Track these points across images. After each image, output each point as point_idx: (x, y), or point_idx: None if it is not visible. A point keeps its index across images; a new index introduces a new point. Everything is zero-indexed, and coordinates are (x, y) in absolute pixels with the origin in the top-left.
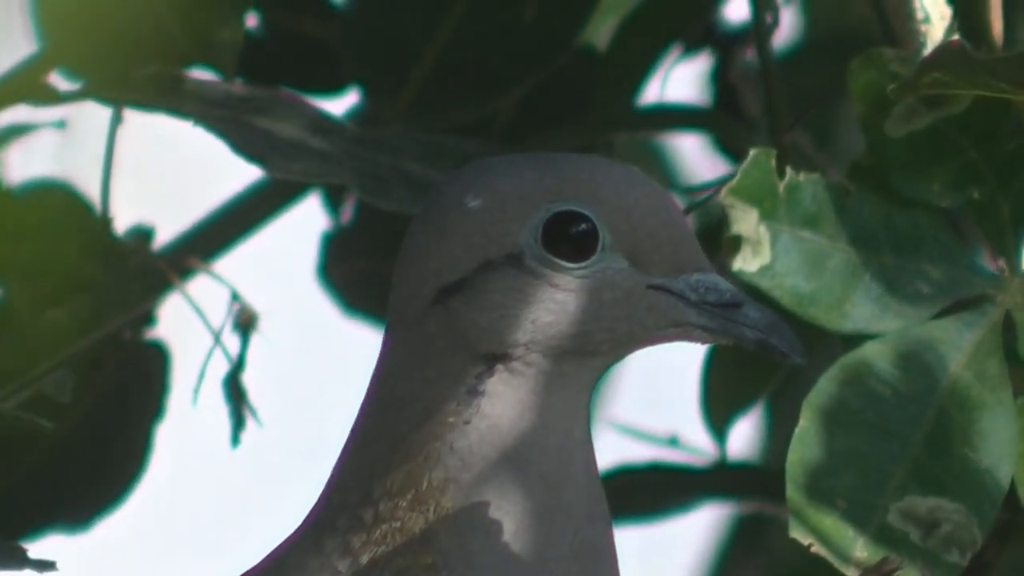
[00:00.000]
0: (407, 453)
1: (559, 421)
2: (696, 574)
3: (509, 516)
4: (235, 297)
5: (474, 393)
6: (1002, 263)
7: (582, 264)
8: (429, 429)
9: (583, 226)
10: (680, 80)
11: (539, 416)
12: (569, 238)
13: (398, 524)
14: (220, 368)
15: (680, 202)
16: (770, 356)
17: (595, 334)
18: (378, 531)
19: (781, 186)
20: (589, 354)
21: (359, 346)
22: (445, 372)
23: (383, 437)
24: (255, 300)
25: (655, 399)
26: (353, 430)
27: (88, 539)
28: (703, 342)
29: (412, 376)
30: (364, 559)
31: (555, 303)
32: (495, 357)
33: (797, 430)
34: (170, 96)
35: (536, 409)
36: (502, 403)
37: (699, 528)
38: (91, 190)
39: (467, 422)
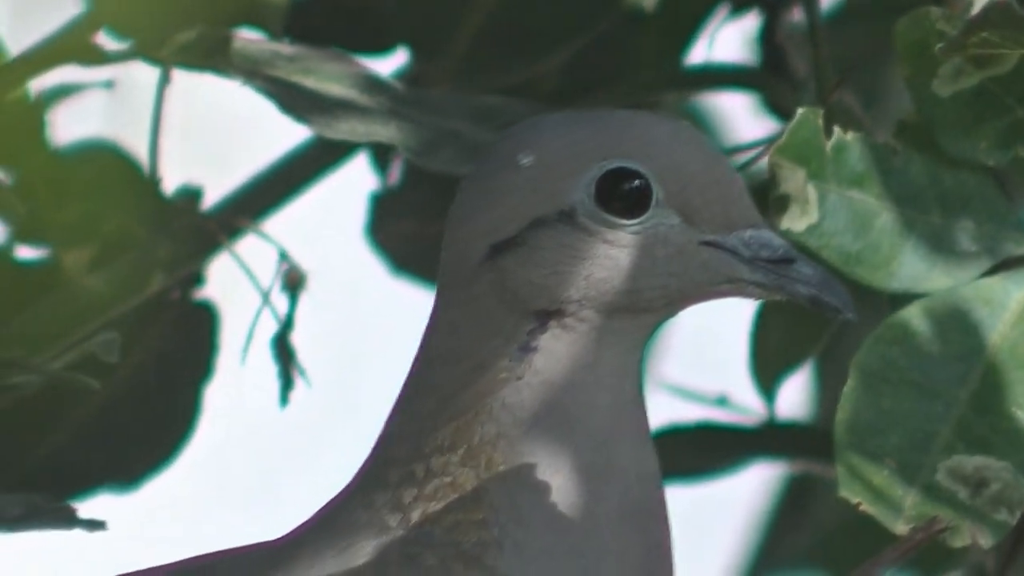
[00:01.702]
0: (459, 409)
1: (611, 378)
2: (745, 534)
3: (559, 473)
4: (283, 257)
5: (527, 349)
6: None
7: (635, 221)
8: (481, 385)
9: (636, 183)
10: (727, 40)
11: (591, 373)
12: (622, 195)
13: (449, 479)
14: (268, 328)
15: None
16: (822, 312)
17: (648, 290)
18: (429, 486)
19: (828, 145)
20: (641, 310)
21: (406, 306)
22: (497, 329)
23: (435, 393)
24: (303, 260)
25: (704, 359)
26: (405, 386)
27: (137, 499)
28: (756, 298)
29: (464, 333)
30: (415, 515)
31: (608, 259)
32: (548, 314)
33: (845, 389)
34: (218, 56)
35: (588, 366)
36: (554, 359)
37: (748, 488)
38: (139, 150)
39: (519, 378)
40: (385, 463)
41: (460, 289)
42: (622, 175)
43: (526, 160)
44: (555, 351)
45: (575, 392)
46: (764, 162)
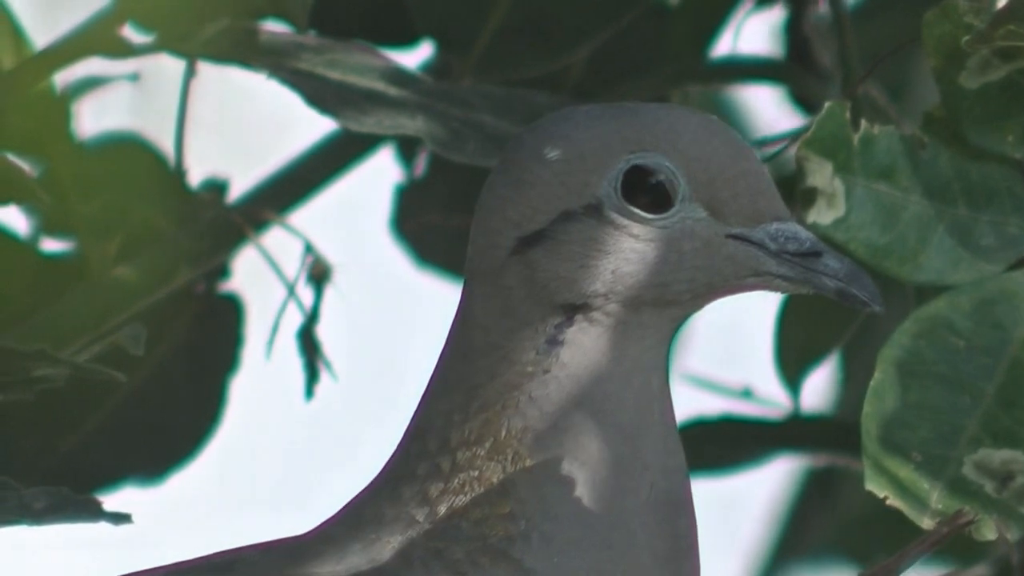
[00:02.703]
0: (486, 402)
1: (637, 371)
2: (769, 526)
3: (586, 466)
4: (309, 249)
5: (554, 343)
6: None
7: (662, 215)
8: (508, 378)
9: (662, 177)
10: (753, 32)
11: (618, 366)
12: (648, 189)
13: (476, 473)
14: (294, 321)
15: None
16: (850, 305)
17: (675, 284)
18: (456, 480)
19: (855, 138)
20: (668, 304)
21: (431, 299)
22: (524, 322)
23: (462, 386)
24: (329, 253)
25: (729, 351)
26: (432, 379)
27: (162, 492)
28: (783, 291)
29: (491, 326)
30: (442, 508)
31: (635, 253)
32: (575, 307)
33: (872, 382)
34: (243, 49)
35: (615, 359)
36: (581, 353)
37: (773, 481)
38: (165, 143)
39: (546, 371)
40: (412, 457)
41: (487, 282)
42: (648, 170)
43: (553, 154)
44: (582, 345)
45: (602, 385)
46: (790, 155)
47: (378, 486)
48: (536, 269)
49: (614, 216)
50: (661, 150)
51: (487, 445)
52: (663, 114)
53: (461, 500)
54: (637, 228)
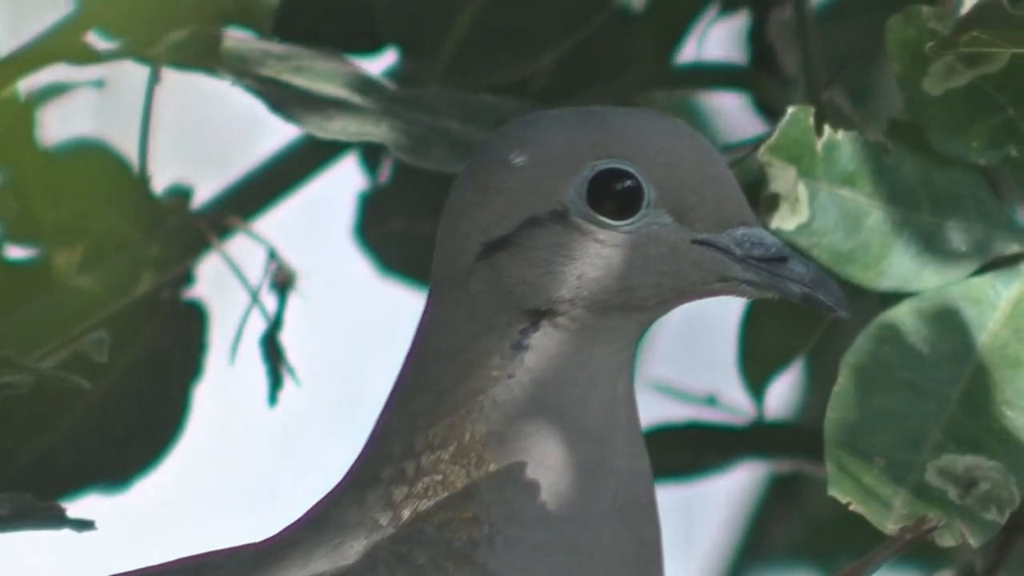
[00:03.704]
0: (450, 406)
1: (603, 376)
2: (733, 532)
3: (551, 470)
4: (273, 256)
5: (519, 348)
6: None
7: (627, 221)
8: (473, 383)
9: (628, 183)
10: (717, 38)
11: (583, 371)
12: (614, 195)
13: (440, 477)
14: (258, 327)
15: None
16: (816, 310)
17: (640, 289)
18: (420, 484)
19: (819, 144)
20: (634, 309)
21: (395, 306)
22: (490, 327)
23: (427, 390)
24: (293, 259)
25: (693, 358)
26: (396, 384)
27: (126, 498)
28: (748, 296)
29: (457, 331)
30: (406, 513)
31: (601, 259)
32: (540, 313)
33: (835, 388)
34: (208, 55)
35: (580, 364)
36: (546, 358)
37: (736, 487)
38: (129, 150)
39: (511, 376)
40: (376, 461)
41: (453, 287)
42: (614, 175)
43: (519, 159)
44: (547, 350)
45: (567, 390)
46: (754, 160)
47: (342, 490)
48: (502, 274)
49: (580, 222)
50: (627, 156)
51: (451, 449)
52: (630, 119)
53: (425, 504)
54: (603, 234)
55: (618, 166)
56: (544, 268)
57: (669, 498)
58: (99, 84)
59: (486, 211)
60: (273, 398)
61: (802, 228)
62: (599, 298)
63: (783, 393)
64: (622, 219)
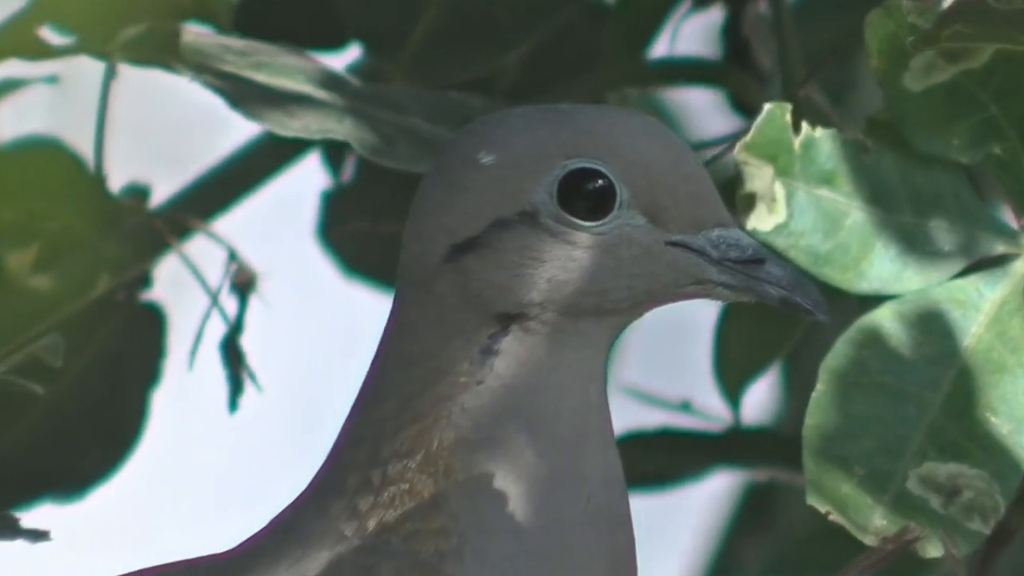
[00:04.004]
0: (417, 413)
1: (575, 382)
2: (708, 542)
3: (521, 479)
4: (233, 257)
5: (488, 353)
6: None
7: (599, 222)
8: (441, 389)
9: (599, 183)
10: (691, 33)
11: (554, 376)
12: (585, 195)
13: (407, 486)
14: (218, 331)
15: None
16: (794, 313)
17: (613, 292)
18: (386, 493)
19: (796, 142)
20: (607, 312)
21: (359, 308)
22: (458, 331)
23: (393, 397)
24: (254, 261)
25: (666, 362)
26: (362, 390)
27: (82, 508)
28: (724, 300)
29: (424, 335)
30: (371, 523)
31: (572, 261)
32: (510, 317)
33: (814, 394)
34: (165, 51)
35: (552, 369)
36: (516, 363)
37: (711, 495)
38: (84, 148)
39: (480, 382)
40: (341, 469)
41: (420, 289)
42: (585, 175)
43: (487, 158)
44: (517, 355)
45: (538, 396)
46: (730, 159)
47: (306, 500)
48: (470, 277)
49: (550, 223)
50: (599, 155)
51: (418, 457)
52: (601, 117)
53: (391, 514)
54: (574, 235)
55: (589, 165)
56: (513, 270)
57: (642, 507)
58: (53, 80)
59: (453, 212)
60: (234, 404)
61: (779, 229)
62: (570, 301)
63: (760, 399)
64: (594, 220)
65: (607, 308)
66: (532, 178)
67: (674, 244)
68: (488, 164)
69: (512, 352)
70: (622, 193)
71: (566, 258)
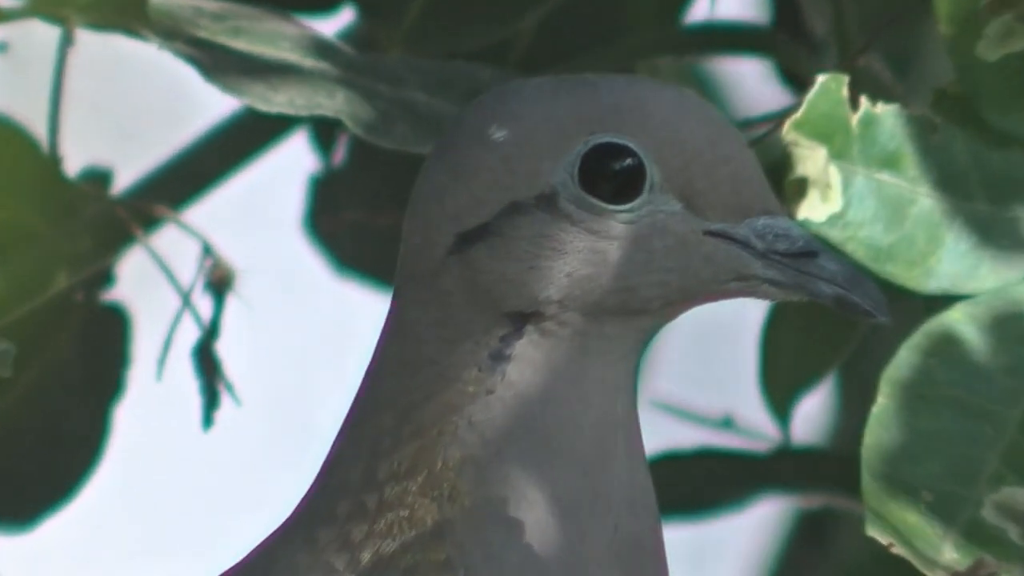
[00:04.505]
0: (419, 427)
1: (599, 393)
2: None
3: (537, 505)
4: (207, 251)
5: (499, 358)
6: None
7: (627, 206)
8: (445, 399)
9: (628, 161)
10: None
11: (575, 386)
12: (611, 176)
13: (406, 512)
14: (190, 336)
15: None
16: (850, 315)
17: (643, 289)
18: (383, 520)
19: (854, 119)
20: (635, 313)
21: (353, 310)
22: (465, 333)
23: (391, 409)
24: (231, 255)
25: (705, 372)
26: (355, 402)
27: (33, 539)
28: (770, 298)
29: (426, 338)
30: (366, 555)
31: (595, 253)
32: (524, 316)
33: (874, 409)
34: (130, 14)
35: (572, 378)
36: (532, 370)
37: (756, 524)
38: (37, 126)
39: (490, 392)
40: (332, 493)
41: (421, 286)
42: (611, 152)
43: (499, 134)
44: (533, 360)
45: (556, 409)
46: (778, 138)
47: (291, 528)
48: (479, 270)
49: (570, 208)
50: (627, 130)
51: (420, 478)
52: (629, 88)
53: (389, 545)
54: (598, 223)
55: (616, 141)
56: (528, 263)
57: (677, 538)
58: (2, 48)
59: (459, 196)
60: (208, 419)
61: (834, 219)
62: (593, 299)
63: (812, 414)
64: (620, 204)
65: (636, 308)
66: (550, 156)
67: (713, 234)
68: (500, 141)
69: (526, 357)
70: (653, 174)
71: (589, 249)
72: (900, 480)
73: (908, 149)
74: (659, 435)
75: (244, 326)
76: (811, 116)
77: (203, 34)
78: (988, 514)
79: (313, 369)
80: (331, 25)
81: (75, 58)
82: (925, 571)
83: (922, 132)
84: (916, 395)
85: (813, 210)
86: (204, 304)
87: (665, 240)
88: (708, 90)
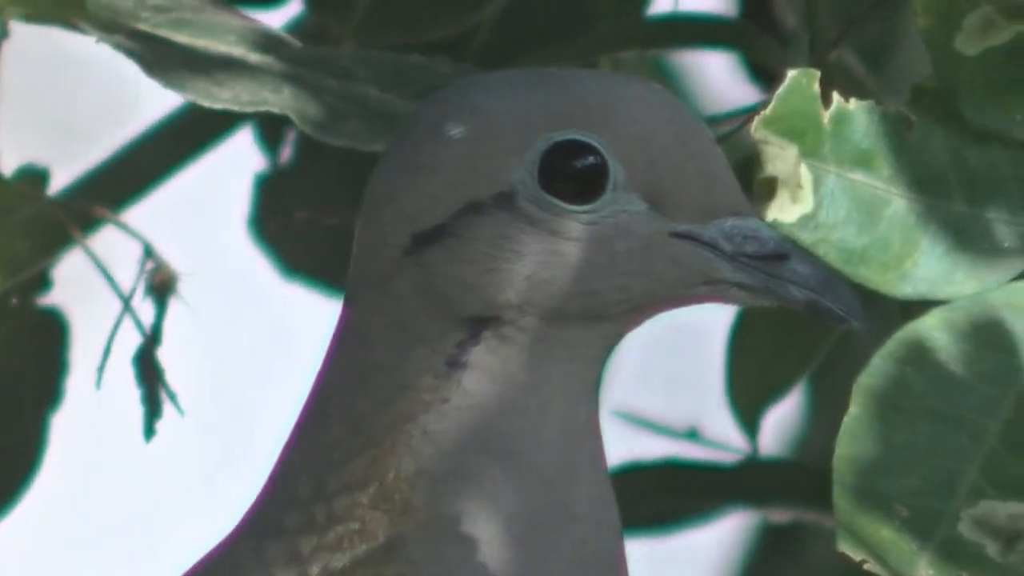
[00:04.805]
0: (371, 437)
1: (560, 403)
2: None
3: (495, 519)
4: (149, 254)
5: (455, 365)
6: None
7: (589, 206)
8: (398, 408)
9: (590, 159)
10: None
11: (535, 395)
12: (573, 174)
13: (357, 526)
14: (131, 342)
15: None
16: (822, 320)
17: (606, 293)
18: (332, 533)
19: (826, 116)
20: (598, 318)
21: (301, 315)
22: (419, 339)
23: (341, 418)
24: (174, 258)
25: (670, 381)
26: (304, 411)
27: None
28: (739, 303)
29: (379, 344)
30: (314, 569)
31: (556, 255)
32: (481, 321)
33: (846, 419)
34: (67, 5)
35: (532, 386)
36: (489, 378)
37: (723, 539)
38: None
39: (445, 400)
40: (279, 505)
41: (374, 290)
42: (573, 150)
43: (456, 131)
44: (490, 368)
45: (515, 419)
46: (747, 136)
47: (236, 541)
48: (434, 273)
49: (530, 208)
50: (589, 126)
51: (371, 490)
52: (593, 82)
53: (339, 559)
54: (558, 223)
55: (578, 138)
56: (486, 265)
57: (642, 553)
58: None
59: (415, 196)
60: (150, 429)
61: (805, 220)
62: (554, 304)
63: (780, 425)
64: (582, 204)
65: (598, 313)
66: (509, 154)
67: (679, 236)
68: (457, 138)
69: (484, 365)
70: (616, 172)
71: (549, 251)
72: (874, 494)
73: (882, 147)
74: (622, 446)
75: (187, 332)
76: (781, 113)
77: (144, 27)
78: (966, 529)
79: (259, 377)
80: (278, 17)
81: (10, 51)
82: None
83: (897, 130)
84: (890, 405)
85: (783, 211)
86: (145, 309)
87: (629, 242)
88: (673, 85)
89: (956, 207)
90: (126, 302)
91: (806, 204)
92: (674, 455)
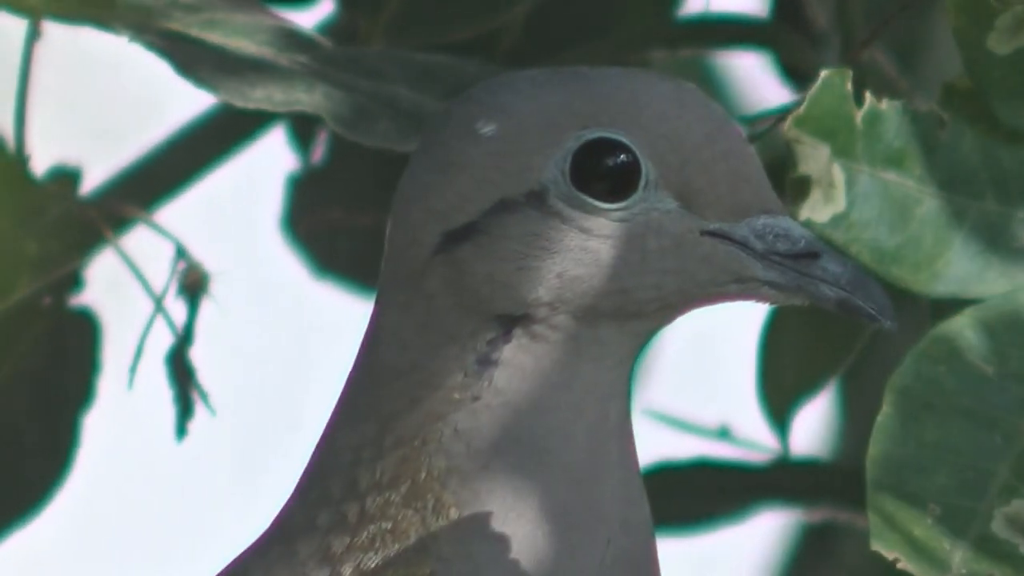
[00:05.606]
0: (402, 436)
1: (591, 401)
2: None
3: (525, 518)
4: (181, 254)
5: (486, 363)
6: None
7: (620, 204)
8: (429, 407)
9: (621, 157)
10: None
11: (566, 393)
12: (604, 173)
13: (389, 525)
14: (163, 342)
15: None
16: (854, 319)
17: (637, 291)
18: (364, 533)
19: (858, 116)
20: (629, 316)
21: (333, 314)
22: (451, 337)
23: (373, 417)
24: (206, 258)
25: (701, 380)
26: (336, 409)
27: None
28: (771, 302)
29: (410, 342)
30: (347, 568)
31: (587, 253)
32: (512, 319)
33: (879, 418)
34: (100, 6)
35: (563, 384)
36: (520, 376)
37: (756, 539)
38: (3, 122)
39: (476, 399)
40: (311, 504)
41: (405, 289)
42: (604, 148)
43: (488, 129)
44: (521, 366)
45: (546, 417)
46: (779, 135)
47: (268, 541)
48: (465, 271)
49: (561, 206)
50: (621, 125)
51: (403, 489)
52: (623, 81)
53: (371, 559)
54: (590, 221)
55: (610, 136)
56: (517, 263)
57: (674, 553)
58: None
59: (446, 194)
60: (182, 430)
61: (838, 219)
62: (585, 302)
63: (812, 424)
64: (614, 202)
65: (630, 311)
66: (541, 152)
67: (711, 234)
68: (488, 136)
69: (515, 362)
70: (648, 171)
71: (580, 248)
72: (906, 492)
73: (914, 147)
74: (653, 446)
75: (219, 332)
76: (813, 112)
77: (176, 27)
78: (998, 528)
79: (291, 377)
80: (310, 17)
81: (42, 52)
82: None
83: (929, 129)
84: (923, 404)
85: (815, 210)
86: (177, 309)
87: (660, 240)
88: (705, 85)
89: (988, 206)
90: (158, 302)
91: (838, 204)
92: (705, 455)
